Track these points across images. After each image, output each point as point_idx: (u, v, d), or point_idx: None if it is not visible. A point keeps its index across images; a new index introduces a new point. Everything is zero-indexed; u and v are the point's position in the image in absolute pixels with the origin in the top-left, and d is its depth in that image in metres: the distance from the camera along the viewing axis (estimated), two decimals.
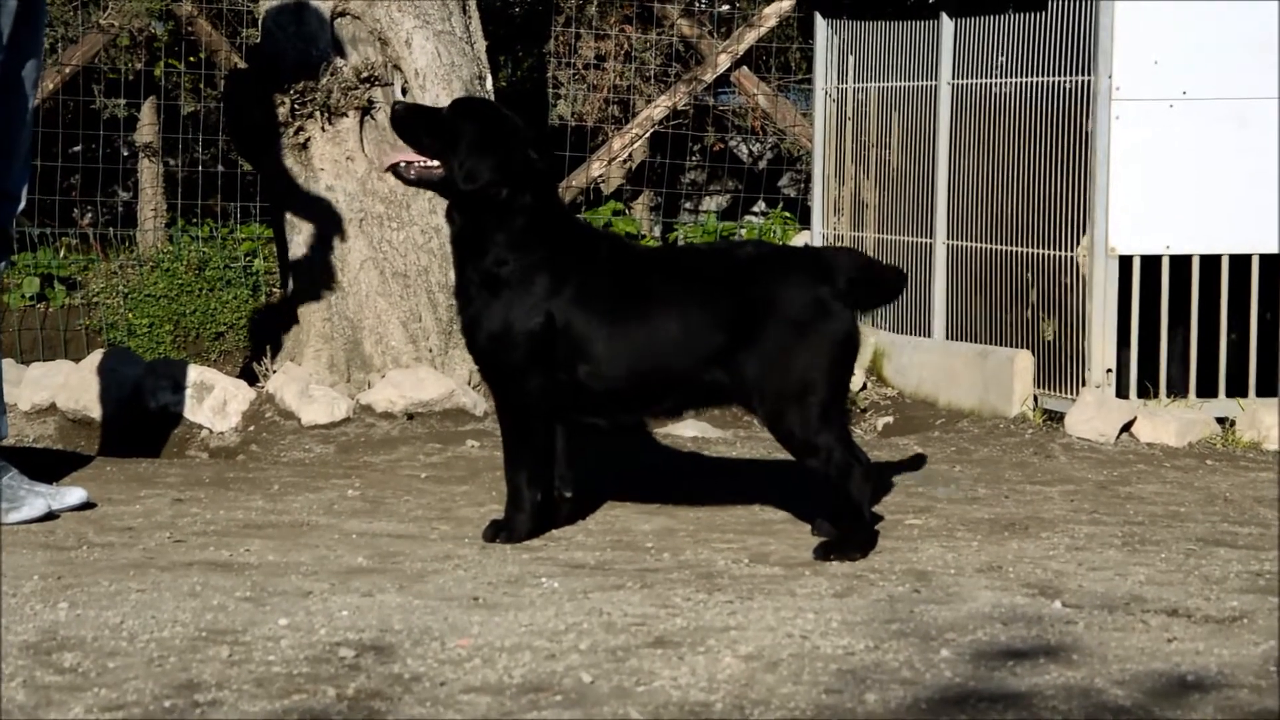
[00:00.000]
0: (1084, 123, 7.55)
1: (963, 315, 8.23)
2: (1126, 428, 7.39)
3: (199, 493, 6.23)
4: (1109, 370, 7.53)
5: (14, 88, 5.76)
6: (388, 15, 7.86)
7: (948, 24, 8.24)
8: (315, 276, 7.88)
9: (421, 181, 5.54)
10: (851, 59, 8.87)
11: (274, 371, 7.77)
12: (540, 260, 5.44)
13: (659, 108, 10.74)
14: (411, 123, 5.56)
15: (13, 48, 5.70)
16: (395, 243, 7.87)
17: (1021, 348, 7.78)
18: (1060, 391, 7.68)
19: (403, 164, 5.53)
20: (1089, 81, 7.52)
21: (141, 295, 9.41)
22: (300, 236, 7.90)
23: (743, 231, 10.91)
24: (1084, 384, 7.60)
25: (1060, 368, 7.70)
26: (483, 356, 5.53)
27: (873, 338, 8.51)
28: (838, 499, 5.39)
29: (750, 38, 10.81)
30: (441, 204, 6.08)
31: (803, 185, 11.09)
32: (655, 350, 5.40)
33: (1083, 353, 7.58)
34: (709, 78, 10.80)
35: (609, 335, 5.40)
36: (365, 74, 7.82)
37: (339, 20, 7.87)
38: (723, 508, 6.01)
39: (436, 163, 5.47)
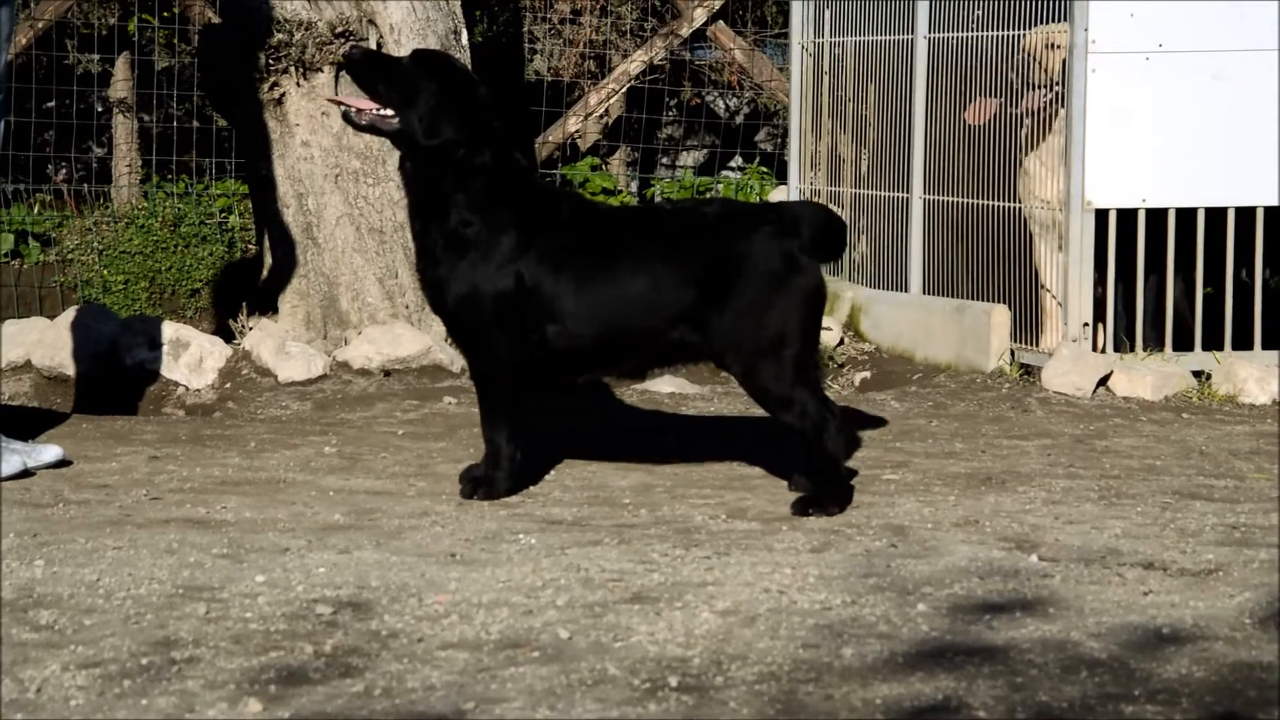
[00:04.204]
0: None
1: (939, 270, 8.23)
2: (1103, 382, 7.40)
3: (175, 450, 6.22)
4: (1085, 324, 7.54)
5: None
6: None
7: None
8: (291, 233, 7.86)
9: (374, 129, 5.48)
10: (828, 13, 8.85)
11: (250, 328, 7.75)
12: (505, 220, 5.41)
13: (635, 63, 10.71)
14: (370, 71, 5.50)
15: None
16: (371, 198, 7.85)
17: (998, 302, 7.79)
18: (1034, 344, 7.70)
19: (353, 110, 5.48)
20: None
21: (116, 252, 9.38)
22: (276, 192, 7.87)
23: (719, 187, 10.90)
24: (1041, 332, 7.65)
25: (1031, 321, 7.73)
26: (452, 318, 5.50)
27: (850, 292, 8.51)
28: (813, 454, 5.40)
29: None
30: None
31: (780, 140, 11.07)
32: (625, 309, 5.39)
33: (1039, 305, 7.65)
34: (685, 32, 10.77)
35: (578, 294, 5.38)
36: (340, 29, 7.79)
37: None
38: (700, 464, 6.01)
39: (392, 112, 5.44)
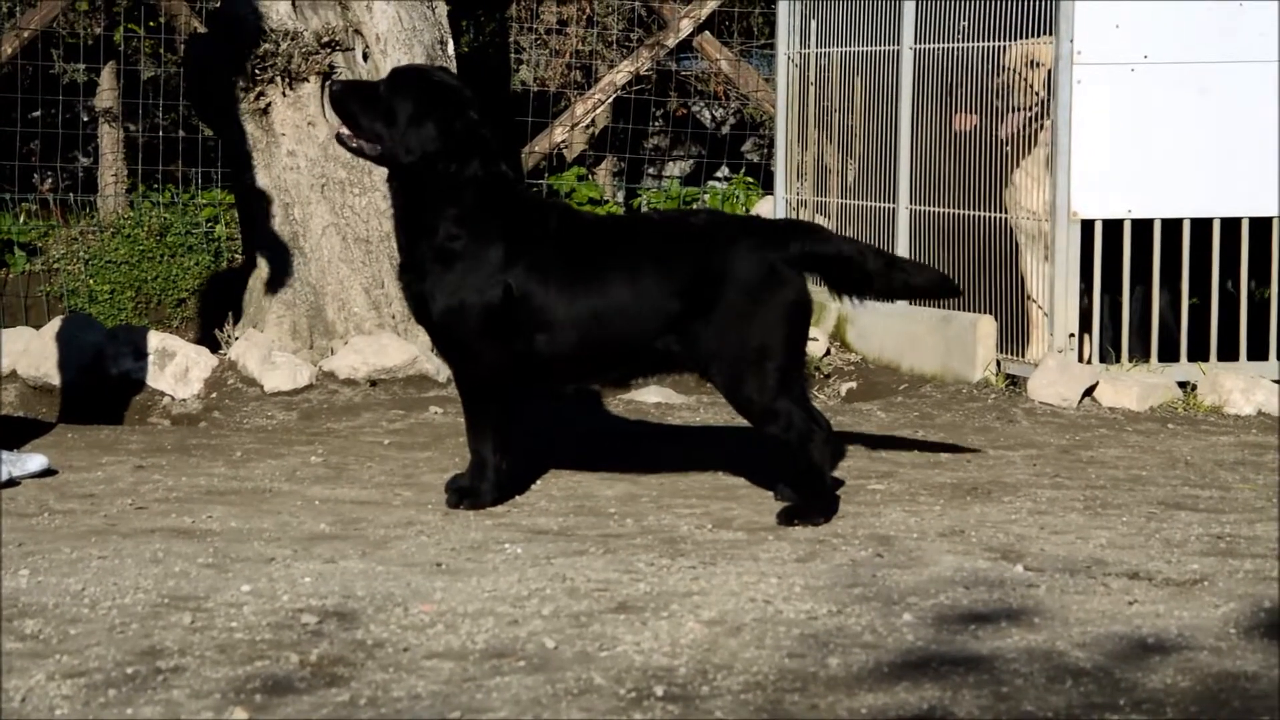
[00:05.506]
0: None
1: None
2: (1088, 392, 7.41)
3: (161, 460, 6.21)
4: (1071, 335, 7.55)
5: None
6: None
7: None
8: (277, 242, 7.86)
9: (361, 153, 5.54)
10: (814, 24, 8.86)
11: (236, 338, 7.75)
12: (494, 232, 5.42)
13: (622, 73, 10.72)
14: (348, 102, 5.53)
15: None
16: (357, 208, 7.85)
17: (984, 312, 7.80)
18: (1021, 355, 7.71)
19: (345, 134, 5.53)
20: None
21: (102, 261, 9.37)
22: (262, 202, 7.87)
23: (705, 197, 10.91)
24: (1027, 342, 7.65)
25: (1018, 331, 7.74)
26: (439, 330, 5.51)
27: (836, 303, 8.50)
28: (799, 464, 5.40)
29: (712, 3, 10.78)
30: None
31: (766, 150, 11.08)
32: (611, 319, 5.39)
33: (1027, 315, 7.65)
34: (671, 42, 10.78)
35: (566, 305, 5.39)
36: (326, 39, 7.79)
37: None
38: (685, 473, 6.02)
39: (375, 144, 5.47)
